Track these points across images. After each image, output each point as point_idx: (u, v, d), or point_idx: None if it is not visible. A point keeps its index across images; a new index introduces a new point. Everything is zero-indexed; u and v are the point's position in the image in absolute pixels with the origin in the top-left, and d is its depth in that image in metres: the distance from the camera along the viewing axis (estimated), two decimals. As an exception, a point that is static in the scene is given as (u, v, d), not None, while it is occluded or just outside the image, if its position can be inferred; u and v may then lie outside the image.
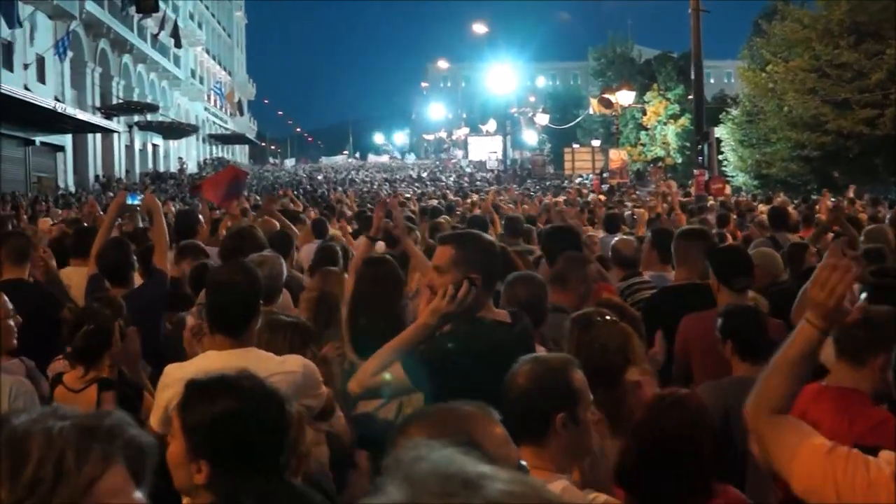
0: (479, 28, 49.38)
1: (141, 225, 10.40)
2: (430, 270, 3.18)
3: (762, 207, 15.08)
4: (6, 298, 3.94)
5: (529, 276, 4.21)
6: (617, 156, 37.63)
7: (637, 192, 26.40)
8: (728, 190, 24.48)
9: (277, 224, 8.38)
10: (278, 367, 3.26)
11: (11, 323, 3.91)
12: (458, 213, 14.45)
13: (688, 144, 44.16)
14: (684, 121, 45.02)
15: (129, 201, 6.02)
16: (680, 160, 46.18)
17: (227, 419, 2.23)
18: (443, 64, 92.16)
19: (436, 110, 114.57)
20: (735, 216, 12.56)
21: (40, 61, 34.96)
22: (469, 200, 20.25)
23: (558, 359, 2.53)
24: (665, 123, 47.18)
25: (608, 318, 3.43)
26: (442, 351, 2.94)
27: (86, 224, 9.17)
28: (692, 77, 22.75)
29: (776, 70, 34.56)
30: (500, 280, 4.84)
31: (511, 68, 62.72)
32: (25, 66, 33.36)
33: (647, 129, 48.03)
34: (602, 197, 22.86)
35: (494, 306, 3.18)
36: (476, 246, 3.05)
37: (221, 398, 2.26)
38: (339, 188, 39.09)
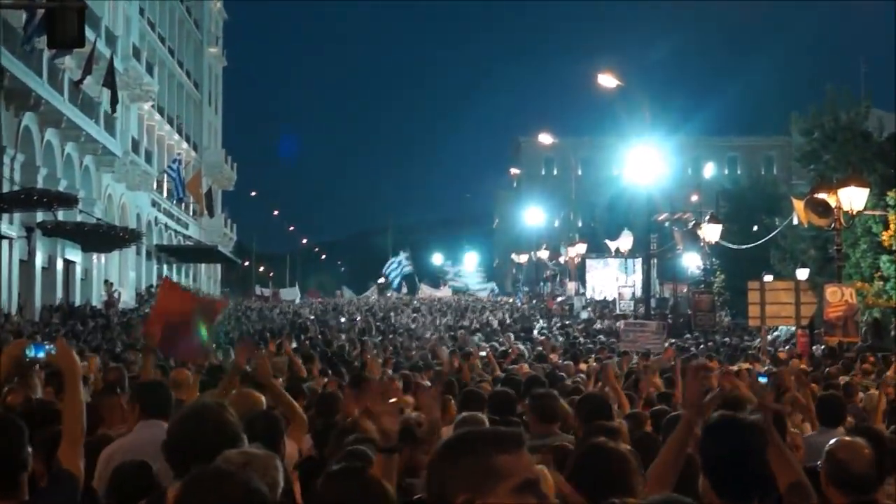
0: (607, 81, 49.96)
1: (38, 395, 10.63)
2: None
3: None
4: None
5: (678, 503, 4.19)
6: (839, 297, 37.15)
7: (874, 359, 26.05)
8: None
9: (262, 399, 8.48)
10: None
11: None
12: (567, 385, 14.42)
13: (963, 280, 43.53)
14: (956, 240, 44.53)
15: (31, 354, 6.03)
16: (949, 306, 45.54)
17: None
18: (545, 139, 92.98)
19: (532, 215, 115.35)
20: None
21: None
22: (585, 367, 20.21)
23: None
24: (924, 243, 46.73)
25: None
26: None
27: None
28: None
29: None
30: None
31: (659, 146, 63.12)
32: None
33: (891, 253, 47.60)
34: (804, 366, 22.60)
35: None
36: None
37: None
38: (370, 339, 39.29)
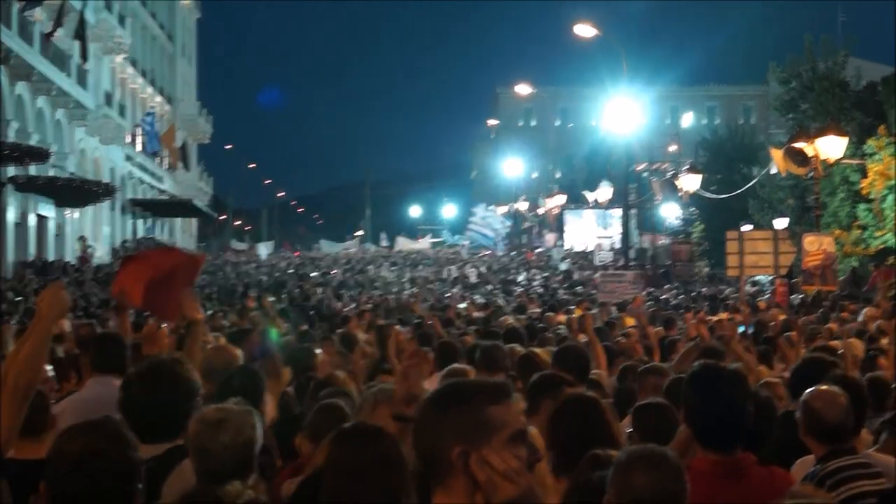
0: (585, 30, 49.81)
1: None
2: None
3: None
4: None
5: (658, 454, 4.21)
6: (817, 246, 37.29)
7: (854, 308, 26.14)
8: None
9: (238, 354, 8.45)
10: None
11: None
12: (549, 337, 14.51)
13: (940, 228, 43.65)
14: (934, 188, 44.63)
15: None
16: (926, 255, 45.68)
17: None
18: (523, 89, 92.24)
19: (510, 166, 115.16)
20: None
21: None
22: (563, 318, 20.28)
23: None
24: (901, 191, 46.84)
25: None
26: None
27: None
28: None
29: None
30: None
31: (638, 96, 63.05)
32: None
33: (869, 202, 47.72)
34: (782, 316, 22.63)
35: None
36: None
37: None
38: (347, 293, 39.35)
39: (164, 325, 11.56)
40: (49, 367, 7.78)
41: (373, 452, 4.58)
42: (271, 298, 28.92)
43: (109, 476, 3.60)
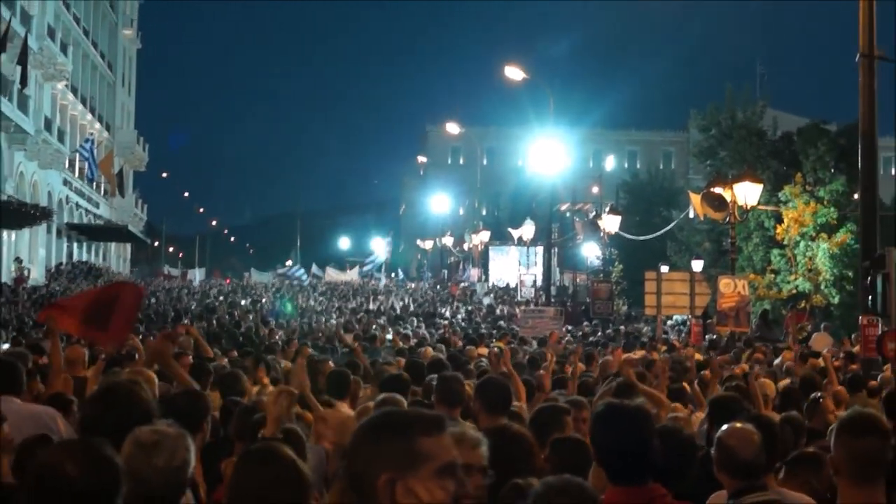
0: (514, 73, 50.09)
1: None
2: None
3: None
4: None
5: (575, 485, 4.23)
6: (732, 288, 37.61)
7: (765, 349, 26.34)
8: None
9: (154, 377, 8.40)
10: None
11: None
12: (471, 369, 14.67)
13: (850, 274, 44.09)
14: (845, 236, 45.09)
15: None
16: (837, 299, 46.13)
17: None
18: (452, 128, 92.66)
19: (438, 202, 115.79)
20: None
21: None
22: (485, 351, 20.29)
23: None
24: (813, 238, 47.26)
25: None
26: None
27: None
28: (860, 164, 22.69)
29: None
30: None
31: (562, 138, 63.38)
32: None
33: (782, 247, 48.19)
34: (698, 357, 22.78)
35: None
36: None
37: None
38: (272, 319, 39.12)
39: (85, 350, 11.46)
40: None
41: (273, 473, 4.57)
42: (202, 324, 28.90)
43: (87, 491, 3.55)
